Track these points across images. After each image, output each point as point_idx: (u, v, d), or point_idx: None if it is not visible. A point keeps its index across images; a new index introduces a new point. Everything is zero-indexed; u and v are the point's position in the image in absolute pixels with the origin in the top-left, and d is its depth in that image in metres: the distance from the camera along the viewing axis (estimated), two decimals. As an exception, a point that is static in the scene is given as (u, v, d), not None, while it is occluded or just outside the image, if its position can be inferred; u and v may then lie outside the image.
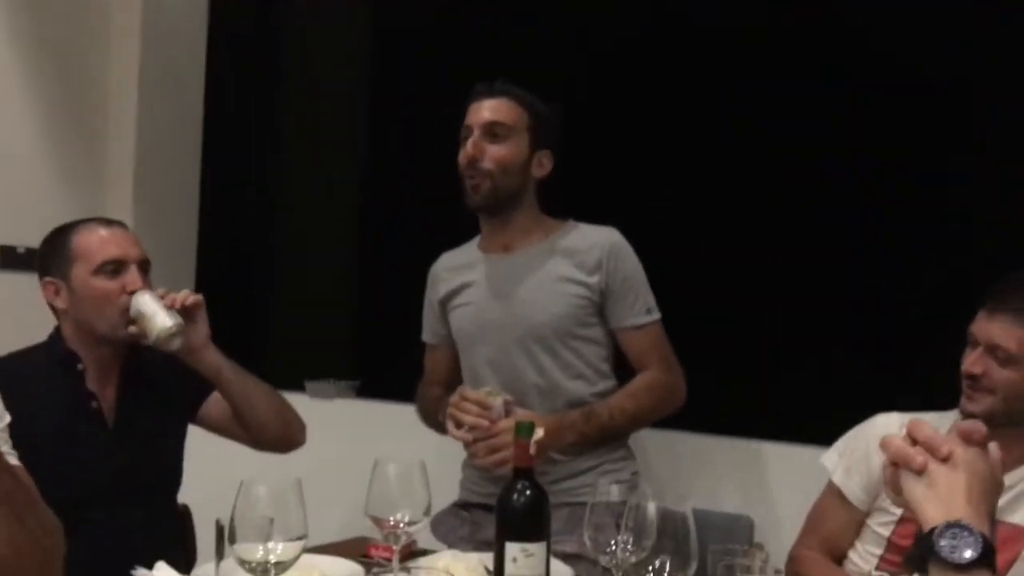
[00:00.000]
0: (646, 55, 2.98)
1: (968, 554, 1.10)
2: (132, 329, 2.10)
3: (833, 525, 2.15)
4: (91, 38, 3.43)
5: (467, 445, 2.30)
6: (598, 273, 2.35)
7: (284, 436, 2.32)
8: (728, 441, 2.74)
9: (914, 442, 1.20)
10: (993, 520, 1.18)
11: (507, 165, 2.36)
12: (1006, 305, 1.94)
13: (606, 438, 2.36)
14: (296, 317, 3.77)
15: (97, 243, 2.14)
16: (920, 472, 1.18)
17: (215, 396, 2.29)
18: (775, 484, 2.64)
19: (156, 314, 2.09)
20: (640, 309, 2.37)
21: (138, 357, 2.23)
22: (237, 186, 3.72)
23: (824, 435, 2.26)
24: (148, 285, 2.15)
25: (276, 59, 3.81)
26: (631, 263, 2.38)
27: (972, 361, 1.99)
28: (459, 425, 2.27)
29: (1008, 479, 1.93)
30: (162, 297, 2.12)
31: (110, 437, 2.15)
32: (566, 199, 2.49)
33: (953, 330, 2.07)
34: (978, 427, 1.21)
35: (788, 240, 2.79)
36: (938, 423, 2.04)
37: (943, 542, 1.12)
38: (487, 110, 2.37)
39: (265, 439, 2.30)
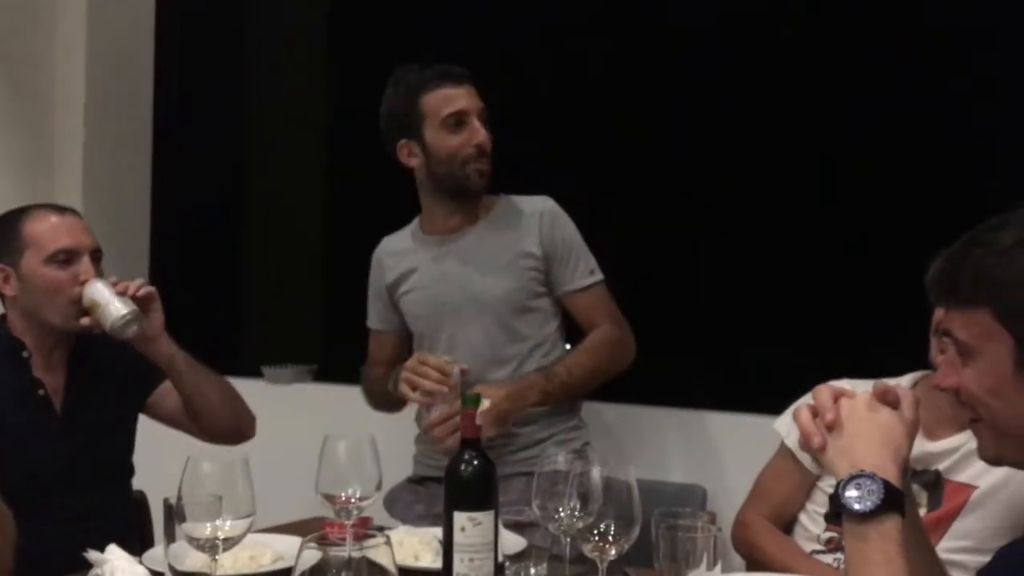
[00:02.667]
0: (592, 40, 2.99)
1: (870, 504, 1.13)
2: (85, 321, 2.10)
3: (783, 489, 2.16)
4: (36, 22, 3.38)
5: (422, 408, 2.29)
6: (537, 240, 2.40)
7: (234, 428, 2.32)
8: (679, 412, 2.77)
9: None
10: (905, 467, 1.21)
11: (491, 149, 2.41)
12: None
13: (568, 395, 2.40)
14: (254, 304, 3.75)
15: (49, 231, 2.12)
16: (831, 428, 1.22)
17: (166, 386, 2.28)
18: (727, 453, 2.68)
19: (110, 302, 2.08)
20: (583, 271, 2.42)
21: (86, 344, 2.22)
22: (191, 169, 3.67)
23: (774, 404, 2.28)
24: (100, 274, 2.14)
25: (231, 34, 3.73)
26: (568, 227, 2.43)
27: None
28: (415, 389, 2.27)
29: (958, 439, 1.99)
30: (114, 285, 2.10)
31: (59, 425, 2.14)
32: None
33: (904, 300, 2.09)
34: (891, 389, 1.25)
35: (732, 209, 2.81)
36: None
37: (847, 493, 1.14)
38: (473, 97, 2.39)
39: (216, 430, 2.29)
